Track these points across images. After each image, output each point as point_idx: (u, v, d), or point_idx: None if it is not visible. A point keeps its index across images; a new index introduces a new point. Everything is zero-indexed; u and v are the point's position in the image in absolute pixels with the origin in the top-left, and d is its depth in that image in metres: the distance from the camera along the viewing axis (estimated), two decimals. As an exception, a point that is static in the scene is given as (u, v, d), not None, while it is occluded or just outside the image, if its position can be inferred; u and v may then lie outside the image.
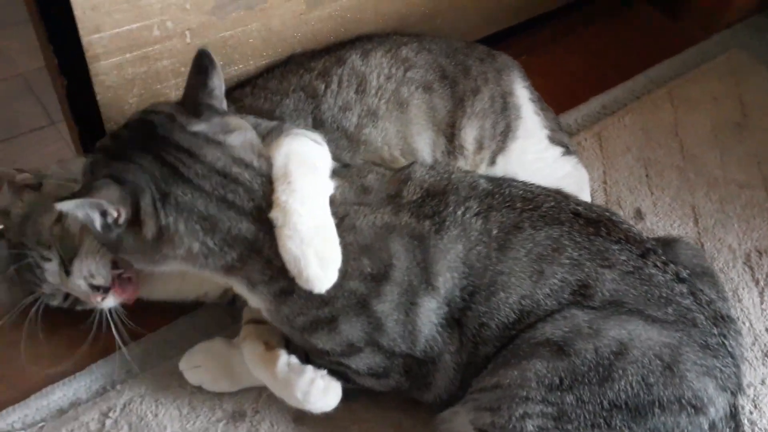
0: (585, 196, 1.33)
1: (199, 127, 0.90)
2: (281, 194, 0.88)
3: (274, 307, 0.94)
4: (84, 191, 0.83)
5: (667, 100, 1.62)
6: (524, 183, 1.04)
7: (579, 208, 0.98)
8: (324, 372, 0.96)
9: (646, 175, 1.48)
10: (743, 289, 1.29)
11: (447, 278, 0.92)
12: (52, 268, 1.01)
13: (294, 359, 0.97)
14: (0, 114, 1.40)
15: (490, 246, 0.93)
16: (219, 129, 0.90)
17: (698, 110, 1.61)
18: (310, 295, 0.89)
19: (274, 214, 0.87)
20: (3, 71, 1.47)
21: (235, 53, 1.18)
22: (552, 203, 0.98)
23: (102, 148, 0.91)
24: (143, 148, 0.87)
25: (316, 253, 0.86)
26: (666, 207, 1.42)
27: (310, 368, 0.96)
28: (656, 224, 1.38)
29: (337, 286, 0.89)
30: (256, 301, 0.96)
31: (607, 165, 1.49)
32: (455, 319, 0.93)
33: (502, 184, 1.01)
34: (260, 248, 0.89)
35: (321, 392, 0.96)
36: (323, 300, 0.90)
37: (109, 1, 0.96)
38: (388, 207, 0.95)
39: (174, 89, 1.15)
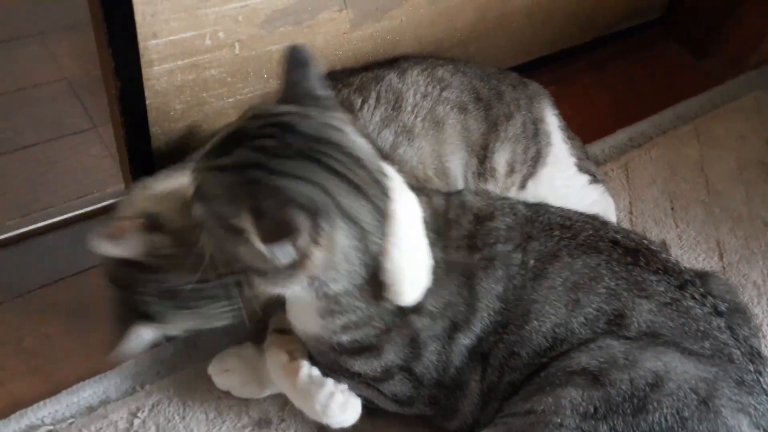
0: (612, 225, 1.35)
1: (339, 122, 0.83)
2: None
3: (328, 334, 0.92)
4: (278, 228, 0.73)
5: (693, 136, 1.65)
6: (560, 209, 1.04)
7: (617, 236, 0.98)
8: (344, 386, 0.96)
9: (672, 208, 1.49)
10: (768, 325, 1.30)
11: (484, 316, 0.93)
12: None
13: (315, 371, 0.97)
14: (45, 115, 1.42)
15: (526, 277, 0.93)
16: (350, 125, 0.85)
17: (724, 147, 1.63)
18: (381, 324, 0.90)
19: None
20: (50, 74, 1.50)
21: (280, 68, 1.20)
22: (590, 231, 0.98)
23: (247, 163, 0.77)
24: (301, 154, 0.78)
25: (413, 268, 0.86)
26: (691, 240, 1.43)
27: (330, 381, 0.96)
28: (681, 257, 1.39)
29: (400, 315, 0.90)
30: (309, 325, 0.94)
31: (633, 196, 1.51)
32: (483, 352, 0.93)
33: (539, 210, 1.02)
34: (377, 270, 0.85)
35: (340, 407, 0.95)
36: (387, 329, 0.91)
37: (169, 8, 0.99)
38: (450, 237, 0.95)
39: (218, 98, 1.17)
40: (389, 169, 0.90)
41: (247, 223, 0.75)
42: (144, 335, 0.97)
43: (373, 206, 0.82)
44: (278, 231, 0.73)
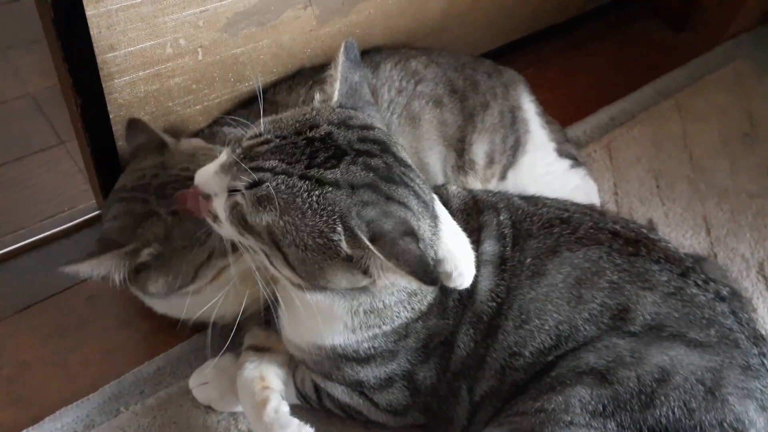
0: (596, 209, 1.33)
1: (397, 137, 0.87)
2: None
3: (347, 343, 0.90)
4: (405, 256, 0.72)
5: (675, 111, 1.63)
6: (557, 200, 1.02)
7: (617, 226, 0.96)
8: (309, 429, 0.92)
9: (657, 186, 1.48)
10: (758, 298, 1.29)
11: (482, 316, 0.91)
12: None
13: (284, 407, 0.93)
14: (10, 133, 1.39)
15: (522, 276, 0.91)
16: None
17: (706, 121, 1.61)
18: (403, 331, 0.89)
19: None
20: (13, 91, 1.46)
21: (246, 69, 1.17)
22: (590, 223, 0.95)
23: (361, 183, 0.75)
24: (402, 181, 0.78)
25: (463, 249, 0.85)
26: (678, 218, 1.42)
27: (295, 423, 0.92)
28: (668, 235, 1.38)
29: (423, 320, 0.89)
30: (326, 336, 0.91)
31: (617, 176, 1.49)
32: (479, 355, 0.91)
33: (537, 203, 0.99)
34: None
35: None
36: (407, 334, 0.90)
37: (125, 19, 0.96)
38: None
39: (185, 107, 1.14)
40: None
41: (354, 246, 0.74)
42: (99, 270, 0.93)
43: (430, 214, 0.82)
44: (405, 259, 0.72)
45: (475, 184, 1.25)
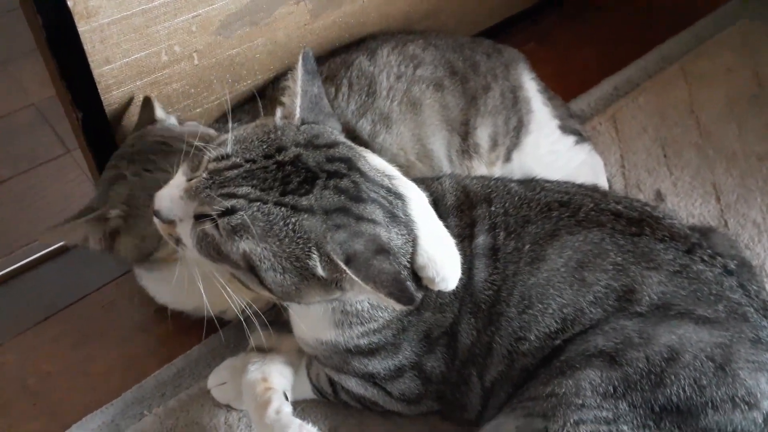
0: (602, 183, 1.32)
1: (361, 150, 0.86)
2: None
3: (344, 339, 0.91)
4: (380, 277, 0.74)
5: (680, 76, 1.60)
6: (557, 183, 1.01)
7: (619, 207, 0.95)
8: (311, 429, 0.93)
9: (664, 155, 1.46)
10: (770, 264, 1.28)
11: (481, 306, 0.91)
12: None
13: (286, 408, 0.94)
14: (17, 145, 1.41)
15: (521, 262, 0.91)
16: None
17: (712, 84, 1.59)
18: (399, 325, 0.90)
19: None
20: (16, 102, 1.48)
21: (243, 69, 1.18)
22: (590, 204, 0.95)
23: (333, 207, 0.76)
24: (370, 199, 0.79)
25: (446, 252, 0.85)
26: (686, 186, 1.40)
27: (297, 423, 0.93)
28: (677, 204, 1.36)
29: (416, 314, 0.90)
30: (322, 333, 0.92)
31: (624, 148, 1.47)
32: (485, 342, 0.92)
33: (535, 187, 0.98)
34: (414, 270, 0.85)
35: None
36: (404, 328, 0.91)
37: (117, 32, 0.96)
38: (449, 226, 0.93)
39: (185, 111, 1.15)
40: (390, 168, 0.89)
41: (330, 269, 0.75)
42: (75, 235, 0.98)
43: (399, 221, 0.82)
44: (382, 280, 0.74)
45: (480, 167, 1.24)
